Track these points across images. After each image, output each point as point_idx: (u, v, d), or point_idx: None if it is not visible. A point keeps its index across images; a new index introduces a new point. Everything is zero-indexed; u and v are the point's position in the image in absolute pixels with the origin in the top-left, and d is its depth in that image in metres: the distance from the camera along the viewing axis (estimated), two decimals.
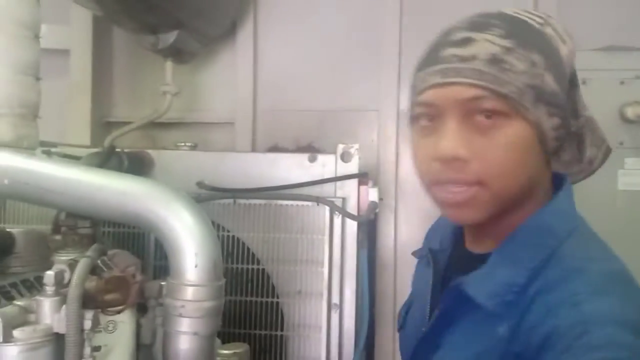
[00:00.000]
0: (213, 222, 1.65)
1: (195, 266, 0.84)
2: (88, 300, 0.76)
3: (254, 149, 2.39)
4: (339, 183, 1.58)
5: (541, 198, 0.79)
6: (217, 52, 2.41)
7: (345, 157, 1.60)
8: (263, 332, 1.51)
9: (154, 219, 0.84)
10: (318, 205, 1.54)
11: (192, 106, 2.45)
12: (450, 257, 0.92)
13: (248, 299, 1.50)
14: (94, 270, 0.81)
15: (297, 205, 1.55)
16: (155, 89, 2.23)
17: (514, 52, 0.72)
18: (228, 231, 1.55)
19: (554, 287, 0.69)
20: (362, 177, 1.59)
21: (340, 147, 1.60)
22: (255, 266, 1.52)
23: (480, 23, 0.77)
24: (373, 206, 1.57)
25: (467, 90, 0.72)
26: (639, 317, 0.64)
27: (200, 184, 1.64)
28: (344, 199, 1.58)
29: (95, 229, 1.20)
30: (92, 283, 0.78)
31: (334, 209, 1.54)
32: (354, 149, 1.60)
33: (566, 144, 0.80)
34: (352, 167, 1.59)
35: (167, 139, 2.45)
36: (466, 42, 0.75)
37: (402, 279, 2.26)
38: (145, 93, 2.47)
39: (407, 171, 2.30)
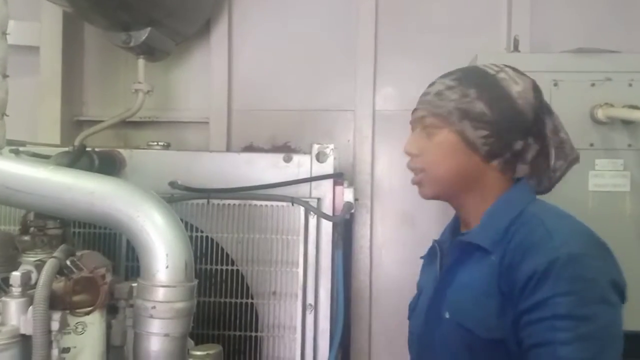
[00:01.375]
0: (186, 223, 1.64)
1: (167, 267, 0.82)
2: (56, 301, 0.74)
3: (228, 149, 2.36)
4: (314, 183, 1.58)
5: (494, 190, 1.12)
6: (191, 51, 2.39)
7: (320, 157, 1.59)
8: (237, 333, 1.49)
9: (124, 219, 0.82)
10: (293, 205, 1.53)
11: (166, 105, 2.42)
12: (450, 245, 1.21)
13: (222, 300, 1.49)
14: (62, 271, 0.78)
15: (272, 205, 1.54)
16: (128, 88, 2.20)
17: (453, 88, 1.12)
18: (202, 232, 1.53)
19: (524, 228, 1.02)
20: (338, 178, 1.59)
21: (316, 147, 1.59)
22: (229, 267, 1.51)
23: (447, 73, 1.17)
24: (348, 206, 1.57)
25: (420, 112, 1.16)
26: (587, 229, 1.01)
27: (173, 184, 1.62)
28: (319, 200, 1.57)
29: (64, 229, 1.17)
30: (60, 284, 0.76)
31: (309, 209, 1.54)
32: (329, 149, 1.60)
33: (507, 152, 1.10)
34: (328, 167, 1.58)
35: (140, 138, 2.41)
36: (431, 85, 1.17)
37: (377, 279, 2.27)
38: (117, 91, 2.43)
39: (383, 171, 2.31)
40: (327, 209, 1.57)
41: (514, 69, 1.14)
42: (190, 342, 1.26)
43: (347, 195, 1.58)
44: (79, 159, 1.47)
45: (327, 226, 1.55)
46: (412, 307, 1.26)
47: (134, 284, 0.85)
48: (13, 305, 0.77)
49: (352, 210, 1.60)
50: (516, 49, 1.83)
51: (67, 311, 0.77)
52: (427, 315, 1.15)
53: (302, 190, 1.58)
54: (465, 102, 1.09)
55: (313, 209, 1.54)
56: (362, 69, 2.33)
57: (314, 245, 1.53)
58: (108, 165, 1.63)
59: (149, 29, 1.91)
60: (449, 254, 1.16)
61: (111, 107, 2.39)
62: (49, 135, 2.29)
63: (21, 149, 1.70)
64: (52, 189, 0.82)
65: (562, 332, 0.89)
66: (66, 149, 1.55)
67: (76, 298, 0.77)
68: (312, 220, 1.54)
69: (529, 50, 2.03)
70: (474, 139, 1.08)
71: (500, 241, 1.03)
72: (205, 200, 1.55)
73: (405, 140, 1.18)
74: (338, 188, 1.59)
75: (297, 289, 1.49)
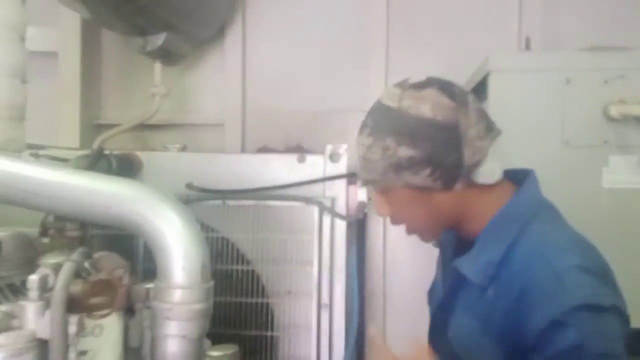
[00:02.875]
0: (202, 224, 1.66)
1: (183, 268, 0.84)
2: (74, 304, 0.76)
3: (243, 150, 2.39)
4: (327, 183, 1.59)
5: (482, 205, 1.05)
6: (206, 54, 2.41)
7: (333, 158, 1.61)
8: (253, 333, 1.52)
9: (141, 221, 0.85)
10: (307, 205, 1.55)
11: (182, 108, 2.45)
12: (455, 246, 1.18)
13: (238, 299, 1.51)
14: (79, 274, 0.81)
15: (286, 205, 1.55)
16: (145, 91, 2.23)
17: (372, 146, 1.03)
18: (217, 232, 1.55)
19: (526, 266, 0.95)
20: (351, 177, 1.60)
21: (329, 148, 1.61)
22: (244, 267, 1.53)
23: (361, 126, 1.10)
24: (362, 206, 1.59)
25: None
26: (593, 264, 0.93)
27: (189, 186, 1.64)
28: (332, 199, 1.59)
29: (83, 231, 1.20)
30: (77, 286, 0.78)
31: (322, 209, 1.55)
32: (342, 149, 1.61)
33: (459, 170, 1.02)
34: (341, 167, 1.60)
35: (157, 140, 2.45)
36: (358, 148, 1.10)
37: (391, 277, 2.28)
38: (134, 95, 2.47)
39: None
40: (341, 208, 1.59)
41: (413, 86, 1.05)
42: (207, 342, 1.28)
43: (361, 194, 1.60)
44: (97, 162, 1.50)
45: (341, 225, 1.57)
46: (428, 300, 1.27)
47: (151, 286, 0.87)
48: (30, 308, 0.79)
49: (366, 210, 1.61)
50: (528, 47, 1.83)
51: (85, 314, 0.79)
52: (435, 317, 1.17)
53: (316, 190, 1.60)
54: (390, 155, 1.02)
55: (327, 208, 1.56)
56: (375, 69, 2.34)
57: (329, 245, 1.54)
58: (126, 167, 1.66)
59: (165, 33, 1.94)
60: (449, 276, 1.13)
61: (129, 110, 2.43)
62: (69, 139, 2.34)
63: (41, 152, 1.74)
64: (69, 191, 0.85)
65: None
66: (85, 152, 1.58)
67: (94, 300, 0.80)
68: (326, 219, 1.56)
69: (541, 48, 2.02)
70: (422, 184, 1.03)
71: (497, 275, 0.99)
72: (221, 202, 1.57)
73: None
74: (351, 187, 1.61)
75: (311, 288, 1.51)
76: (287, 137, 2.41)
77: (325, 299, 1.52)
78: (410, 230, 1.13)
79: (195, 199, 1.59)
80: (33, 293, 0.78)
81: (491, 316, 0.98)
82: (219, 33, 2.35)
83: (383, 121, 1.04)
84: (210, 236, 1.54)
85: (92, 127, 2.45)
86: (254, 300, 1.51)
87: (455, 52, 2.26)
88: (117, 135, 2.29)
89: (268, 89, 2.41)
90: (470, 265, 1.04)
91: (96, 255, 1.11)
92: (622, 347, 0.90)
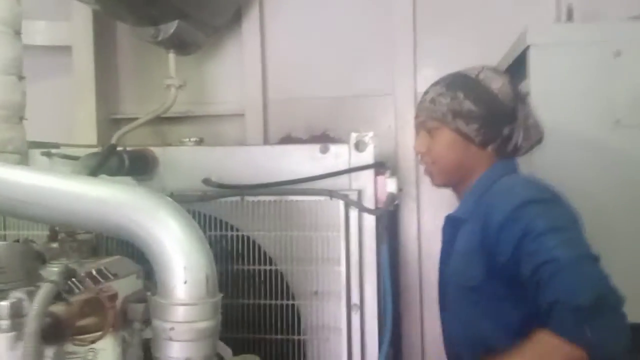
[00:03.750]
0: (221, 221, 1.57)
1: (185, 282, 0.74)
2: (59, 329, 0.66)
3: (265, 141, 2.29)
4: (353, 175, 1.47)
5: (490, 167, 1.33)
6: (223, 42, 2.31)
7: (359, 147, 1.49)
8: (279, 337, 1.42)
9: (137, 229, 0.74)
10: (331, 199, 1.43)
11: (200, 99, 2.36)
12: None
13: (262, 302, 1.41)
14: (60, 296, 0.71)
15: (310, 200, 1.44)
16: (162, 83, 2.14)
17: (444, 94, 1.32)
18: (237, 230, 1.45)
19: (491, 193, 1.25)
20: (379, 167, 1.48)
21: (354, 136, 1.49)
22: (268, 267, 1.43)
23: (436, 81, 1.38)
24: (391, 198, 1.46)
25: (420, 117, 1.37)
26: (539, 194, 1.20)
27: (206, 181, 1.54)
28: (359, 192, 1.47)
29: (96, 233, 1.11)
30: (62, 308, 0.68)
31: (349, 203, 1.44)
32: (368, 137, 1.49)
33: (497, 138, 1.30)
34: (367, 156, 1.48)
35: (177, 134, 2.36)
36: (425, 93, 1.39)
37: (427, 270, 2.15)
38: (152, 87, 2.38)
39: None
40: (368, 201, 1.47)
41: (492, 69, 1.35)
42: (228, 351, 1.18)
43: (390, 185, 1.47)
44: (107, 159, 1.41)
45: (369, 220, 1.45)
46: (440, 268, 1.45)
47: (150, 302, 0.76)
48: (1, 340, 0.69)
49: (397, 202, 1.49)
50: (570, 18, 1.67)
51: (63, 344, 0.69)
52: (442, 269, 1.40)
53: (341, 182, 1.48)
54: (456, 103, 1.30)
55: (353, 202, 1.44)
56: (401, 50, 2.21)
57: (357, 241, 1.43)
58: (139, 164, 1.57)
59: (176, 21, 1.84)
60: (445, 233, 1.40)
61: (147, 103, 2.34)
62: (86, 136, 2.27)
63: (53, 151, 1.67)
64: (60, 199, 0.75)
65: (550, 241, 1.08)
66: (95, 149, 1.50)
67: (82, 322, 0.70)
68: (353, 214, 1.44)
69: (582, 20, 1.85)
70: (468, 132, 1.30)
71: (475, 210, 1.27)
72: (239, 198, 1.47)
73: (416, 141, 1.39)
74: (380, 178, 1.49)
75: (340, 288, 1.40)
76: (312, 125, 2.30)
77: (355, 298, 1.41)
78: (430, 169, 1.37)
79: (213, 195, 1.48)
80: (4, 322, 0.68)
81: (476, 241, 1.22)
82: (236, 19, 2.25)
83: (459, 81, 1.33)
84: (231, 235, 1.44)
85: (109, 122, 2.38)
86: (279, 302, 1.40)
87: (488, 28, 2.11)
88: (135, 130, 2.21)
89: (289, 76, 2.30)
90: (458, 209, 1.36)
91: (107, 259, 1.03)
92: (573, 223, 1.14)
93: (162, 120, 2.30)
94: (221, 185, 1.52)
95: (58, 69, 2.36)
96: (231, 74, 2.33)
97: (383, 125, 2.25)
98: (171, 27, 1.84)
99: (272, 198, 1.46)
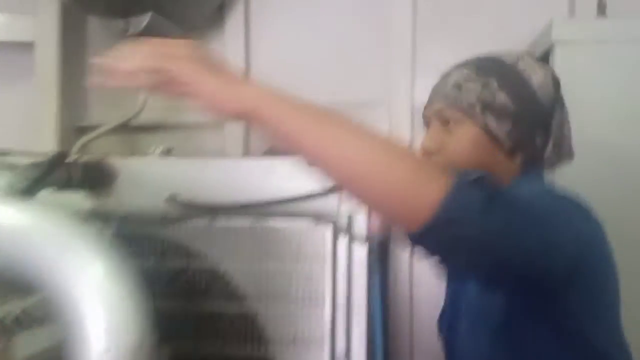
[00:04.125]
0: (186, 249, 1.35)
1: (107, 351, 0.52)
2: None
3: (246, 153, 2.07)
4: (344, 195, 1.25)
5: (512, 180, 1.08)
6: (203, 41, 2.09)
7: None
8: None
9: (40, 273, 0.52)
10: (317, 225, 1.21)
11: (176, 106, 2.13)
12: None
13: (228, 350, 1.18)
14: None
15: (291, 225, 1.22)
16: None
17: (473, 79, 1.06)
18: (203, 260, 1.22)
19: None
20: None
21: None
22: (237, 306, 1.20)
23: (463, 62, 1.12)
24: (387, 225, 1.25)
25: (437, 105, 1.11)
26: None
27: (170, 200, 1.32)
28: (350, 216, 1.25)
29: None
30: None
31: (337, 229, 1.21)
32: None
33: (529, 147, 1.07)
34: None
35: (149, 144, 2.13)
36: (446, 75, 1.13)
37: (419, 316, 1.92)
38: (124, 92, 2.15)
39: None
40: (360, 228, 1.25)
41: (533, 57, 1.10)
42: None
43: None
44: (52, 170, 1.19)
45: (360, 251, 1.23)
46: (439, 322, 1.29)
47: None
48: None
49: (391, 230, 1.28)
50: (602, 13, 1.47)
51: None
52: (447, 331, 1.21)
53: (329, 205, 1.26)
54: (487, 93, 1.05)
55: (343, 228, 1.22)
56: (398, 55, 2.01)
57: (345, 276, 1.20)
58: (93, 177, 1.34)
59: (150, 13, 1.63)
60: (451, 281, 1.26)
61: (118, 110, 2.11)
62: (47, 143, 2.04)
63: None
64: None
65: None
66: (39, 159, 1.27)
67: None
68: (342, 243, 1.22)
69: (616, 14, 1.64)
70: (498, 133, 1.06)
71: None
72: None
73: (424, 135, 1.15)
74: None
75: (323, 334, 1.17)
76: None
77: (341, 347, 1.18)
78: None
79: (176, 217, 1.26)
80: None
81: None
82: (218, 16, 2.03)
83: (494, 66, 1.07)
84: (194, 266, 1.21)
85: (75, 129, 2.15)
86: (248, 352, 1.17)
87: (494, 31, 1.92)
88: (102, 140, 1.99)
89: (276, 81, 1.98)
90: None
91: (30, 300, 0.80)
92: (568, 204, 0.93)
93: (132, 129, 2.08)
94: (187, 205, 1.30)
95: (21, 68, 2.14)
96: None
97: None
98: (143, 20, 1.64)
99: (246, 222, 1.23)
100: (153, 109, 2.03)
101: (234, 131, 2.07)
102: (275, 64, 2.08)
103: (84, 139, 1.94)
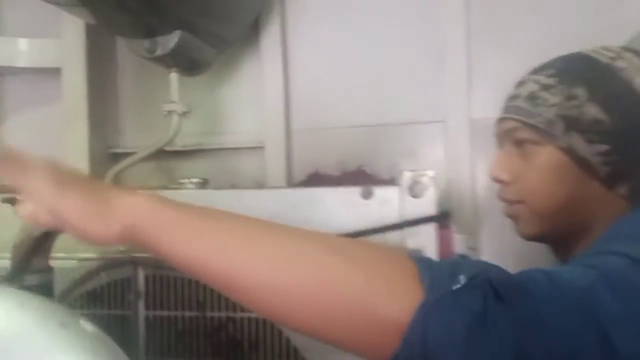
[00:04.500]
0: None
1: None
2: None
3: (289, 178, 1.91)
4: (408, 230, 1.07)
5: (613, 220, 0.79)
6: (238, 60, 1.96)
7: (415, 190, 1.09)
8: None
9: None
10: None
11: (212, 129, 2.00)
12: None
13: None
14: None
15: None
16: (163, 110, 1.79)
17: (552, 87, 0.86)
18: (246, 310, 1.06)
19: None
20: (443, 220, 1.08)
21: (408, 176, 1.09)
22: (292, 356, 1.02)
23: (542, 65, 0.93)
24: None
25: (508, 123, 0.92)
26: None
27: None
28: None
29: None
30: None
31: None
32: (427, 178, 1.09)
33: (636, 173, 0.82)
34: (427, 204, 1.07)
35: (185, 170, 2.00)
36: (520, 84, 0.94)
37: None
38: (159, 116, 2.03)
39: (487, 198, 1.77)
40: None
41: (637, 54, 0.86)
42: None
43: (459, 243, 1.07)
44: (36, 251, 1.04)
45: None
46: None
47: None
48: None
49: None
50: None
51: None
52: None
53: (391, 239, 1.08)
54: (572, 106, 0.84)
55: None
56: (452, 69, 1.82)
57: None
58: None
59: (178, 32, 1.49)
60: None
61: (153, 135, 1.98)
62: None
63: (19, 197, 1.30)
64: None
65: None
66: None
67: None
68: None
69: None
70: (589, 157, 0.83)
71: None
72: None
73: (493, 161, 0.97)
74: (444, 234, 1.08)
75: None
76: (344, 160, 1.91)
77: None
78: (517, 209, 0.92)
79: None
80: None
81: None
82: (253, 33, 1.89)
83: (581, 68, 0.86)
84: (240, 316, 1.05)
85: (107, 156, 2.03)
86: None
87: (558, 40, 1.71)
88: (136, 167, 1.87)
89: (317, 100, 1.93)
90: None
91: None
92: None
93: (167, 154, 1.95)
94: None
95: (49, 93, 2.04)
96: (249, 98, 1.97)
97: (430, 159, 1.86)
98: (171, 39, 1.49)
99: None
100: (189, 134, 1.90)
101: (276, 154, 1.92)
102: (316, 82, 1.92)
103: (117, 167, 1.82)
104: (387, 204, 1.10)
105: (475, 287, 0.52)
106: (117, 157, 2.03)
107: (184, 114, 1.70)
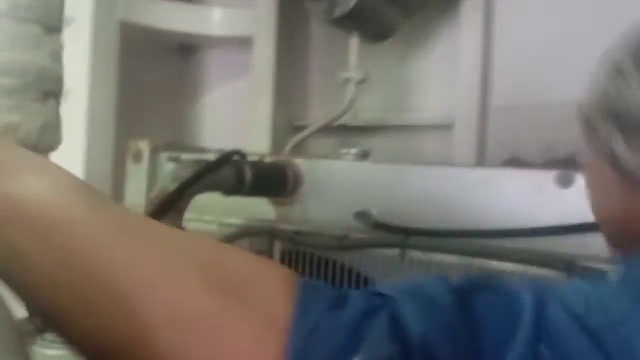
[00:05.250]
0: (366, 283, 0.99)
1: None
2: None
3: (480, 162, 1.65)
4: None
5: None
6: (429, 25, 1.74)
7: None
8: None
9: None
10: (568, 275, 0.76)
11: (397, 104, 1.82)
12: None
13: None
14: None
15: (525, 272, 0.79)
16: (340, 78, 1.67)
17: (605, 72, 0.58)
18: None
19: None
20: None
21: None
22: None
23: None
24: None
25: None
26: None
27: (360, 216, 0.99)
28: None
29: None
30: None
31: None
32: None
33: None
34: None
35: (365, 146, 1.87)
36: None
37: None
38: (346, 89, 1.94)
39: None
40: None
41: None
42: None
43: None
44: (210, 171, 0.96)
45: None
46: None
47: None
48: None
49: None
50: None
51: None
52: None
53: (589, 244, 0.80)
54: (617, 94, 0.55)
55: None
56: None
57: None
58: (271, 181, 1.10)
59: None
60: None
61: (338, 109, 1.90)
62: (259, 143, 1.91)
63: (183, 156, 1.30)
64: None
65: None
66: (209, 157, 1.06)
67: None
68: None
69: None
70: (632, 166, 0.54)
71: None
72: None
73: None
74: None
75: None
76: (553, 145, 1.59)
77: None
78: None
79: (361, 241, 0.93)
80: None
81: None
82: None
83: (631, 45, 0.57)
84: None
85: (292, 128, 1.99)
86: None
87: None
88: (319, 140, 1.80)
89: (522, 73, 1.63)
90: None
91: None
92: None
93: (348, 129, 1.83)
94: (380, 225, 0.96)
95: (239, 64, 2.06)
96: (439, 70, 1.75)
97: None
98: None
99: (455, 258, 0.84)
100: (371, 109, 1.76)
101: (466, 135, 1.67)
102: (524, 52, 1.62)
103: (294, 139, 1.76)
104: None
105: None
106: (300, 129, 1.98)
107: (362, 82, 1.55)
